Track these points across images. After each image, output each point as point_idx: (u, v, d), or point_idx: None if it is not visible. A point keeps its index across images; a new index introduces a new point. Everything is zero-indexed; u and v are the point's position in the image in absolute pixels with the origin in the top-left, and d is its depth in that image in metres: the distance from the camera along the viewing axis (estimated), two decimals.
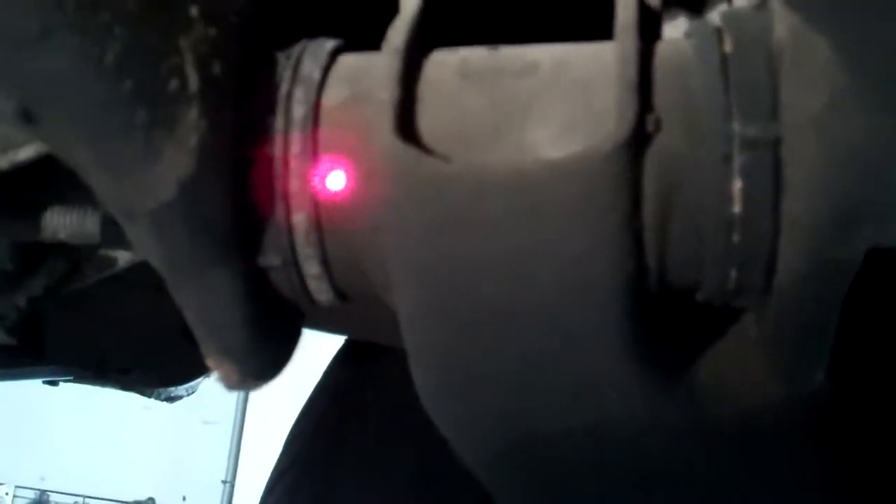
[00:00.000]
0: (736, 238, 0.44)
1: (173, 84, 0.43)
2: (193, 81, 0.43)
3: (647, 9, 0.49)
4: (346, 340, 1.35)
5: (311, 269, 0.49)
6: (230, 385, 0.51)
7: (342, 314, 0.72)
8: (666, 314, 0.51)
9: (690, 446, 0.54)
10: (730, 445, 0.55)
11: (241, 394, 3.93)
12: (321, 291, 0.50)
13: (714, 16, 0.54)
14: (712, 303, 0.49)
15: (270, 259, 0.48)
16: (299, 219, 0.48)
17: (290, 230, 0.48)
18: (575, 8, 0.58)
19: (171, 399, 1.63)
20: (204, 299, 0.47)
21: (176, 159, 0.43)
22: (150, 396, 1.53)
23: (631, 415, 0.50)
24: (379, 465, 1.19)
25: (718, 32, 0.46)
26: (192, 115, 0.43)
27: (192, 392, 1.65)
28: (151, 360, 1.30)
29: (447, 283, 0.46)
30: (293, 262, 0.49)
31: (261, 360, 0.51)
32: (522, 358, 0.47)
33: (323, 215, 0.48)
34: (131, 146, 0.41)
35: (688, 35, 0.48)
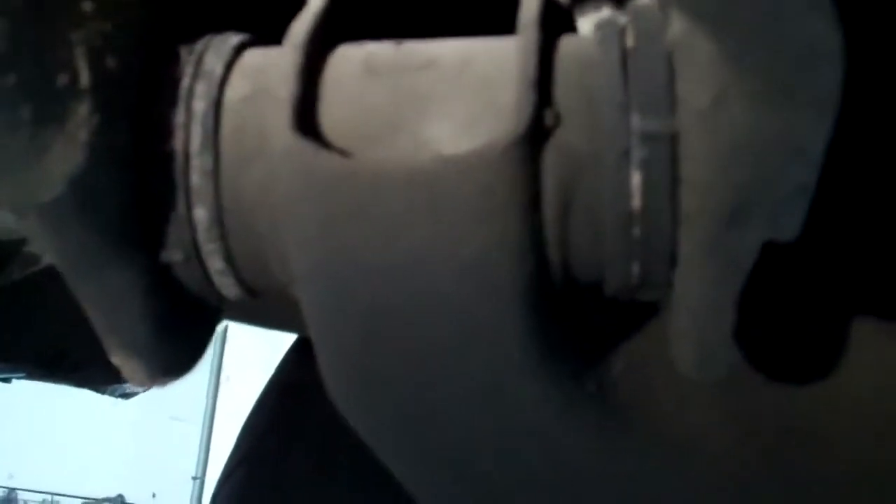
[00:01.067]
0: (636, 232, 0.44)
1: (62, 79, 0.42)
2: (85, 76, 0.43)
3: (554, 4, 0.49)
4: (298, 335, 1.35)
5: (215, 264, 0.49)
6: (137, 382, 0.51)
7: (258, 307, 0.72)
8: (573, 311, 0.51)
9: (607, 444, 0.54)
10: (648, 442, 0.55)
11: (211, 390, 3.93)
12: (227, 286, 0.50)
13: (624, 12, 0.54)
14: (619, 298, 0.49)
15: (173, 254, 0.48)
16: (201, 214, 0.47)
17: (191, 225, 0.47)
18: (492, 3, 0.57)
19: (126, 395, 1.63)
20: (104, 296, 0.47)
21: (65, 154, 0.42)
22: (104, 393, 1.53)
23: (539, 412, 0.50)
24: (329, 461, 1.19)
25: (623, 28, 0.46)
26: (84, 109, 0.43)
27: (147, 388, 1.63)
28: (101, 356, 1.30)
29: (345, 281, 0.45)
30: (196, 258, 0.48)
31: (168, 356, 0.50)
32: (424, 357, 0.47)
33: (226, 210, 0.48)
34: (16, 142, 0.41)
35: (595, 30, 0.48)
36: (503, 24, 0.52)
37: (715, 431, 0.55)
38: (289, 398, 1.28)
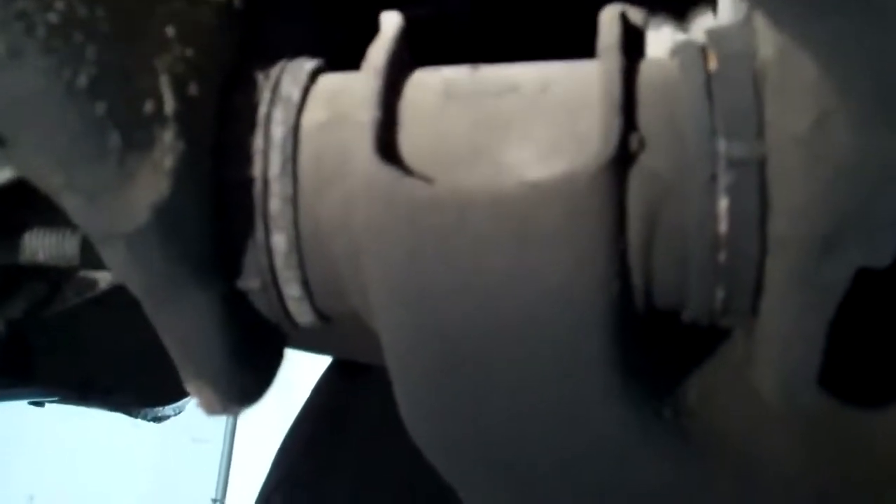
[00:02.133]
0: (722, 258, 0.44)
1: (148, 106, 0.42)
2: (169, 103, 0.43)
3: (631, 26, 0.49)
4: (333, 359, 1.34)
5: (292, 291, 0.48)
6: (211, 411, 0.50)
7: (325, 334, 0.71)
8: (653, 334, 0.50)
9: (684, 470, 0.53)
10: (725, 468, 0.54)
11: None
12: (302, 314, 0.50)
13: (698, 33, 0.54)
14: (699, 322, 0.48)
15: (250, 282, 0.48)
16: (279, 240, 0.47)
17: (269, 252, 0.47)
18: (559, 26, 0.57)
19: (157, 419, 1.62)
20: (181, 324, 0.47)
21: (151, 182, 0.42)
22: (136, 416, 1.52)
23: (620, 438, 0.49)
24: (367, 484, 1.18)
25: (703, 51, 0.46)
26: (169, 137, 0.42)
27: (180, 412, 1.63)
28: (137, 379, 1.29)
29: (430, 307, 0.45)
30: (273, 285, 0.48)
31: (242, 385, 0.50)
32: (508, 382, 0.47)
33: (303, 237, 0.47)
34: (104, 170, 0.41)
35: (673, 53, 0.48)
36: (577, 48, 0.52)
37: (790, 455, 0.54)
38: (325, 422, 1.27)
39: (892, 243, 0.40)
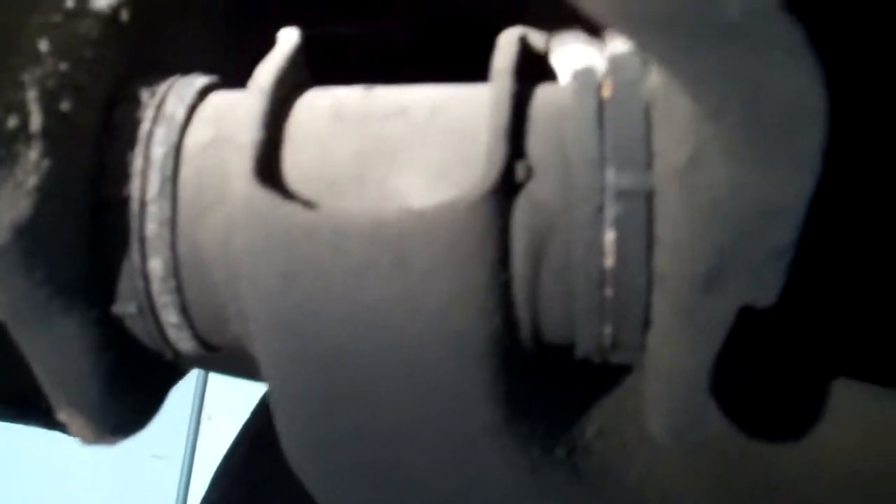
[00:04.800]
0: (609, 292, 0.43)
1: (12, 122, 0.40)
2: (36, 119, 0.41)
3: (530, 51, 0.48)
4: None
5: (170, 317, 0.47)
6: (84, 440, 0.49)
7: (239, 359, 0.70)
8: (544, 369, 0.49)
9: None
10: None
11: (192, 428, 3.88)
12: (182, 340, 0.48)
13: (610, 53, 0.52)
14: (591, 360, 0.47)
15: (126, 307, 0.46)
16: (156, 265, 0.45)
17: (146, 276, 0.45)
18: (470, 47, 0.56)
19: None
20: (51, 349, 0.45)
21: (11, 201, 0.40)
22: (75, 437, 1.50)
23: (506, 476, 0.47)
24: None
25: (601, 78, 0.45)
26: (34, 154, 0.41)
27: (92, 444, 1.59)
28: None
29: (307, 336, 0.43)
30: (150, 310, 0.46)
31: (119, 414, 0.48)
32: (385, 413, 0.45)
33: (182, 261, 0.46)
34: None
35: (572, 79, 0.47)
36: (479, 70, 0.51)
37: (689, 495, 0.53)
38: (262, 445, 1.25)
39: (774, 281, 0.39)
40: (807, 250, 0.41)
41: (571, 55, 0.55)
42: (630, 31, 0.32)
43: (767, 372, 0.58)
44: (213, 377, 3.92)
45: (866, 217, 0.57)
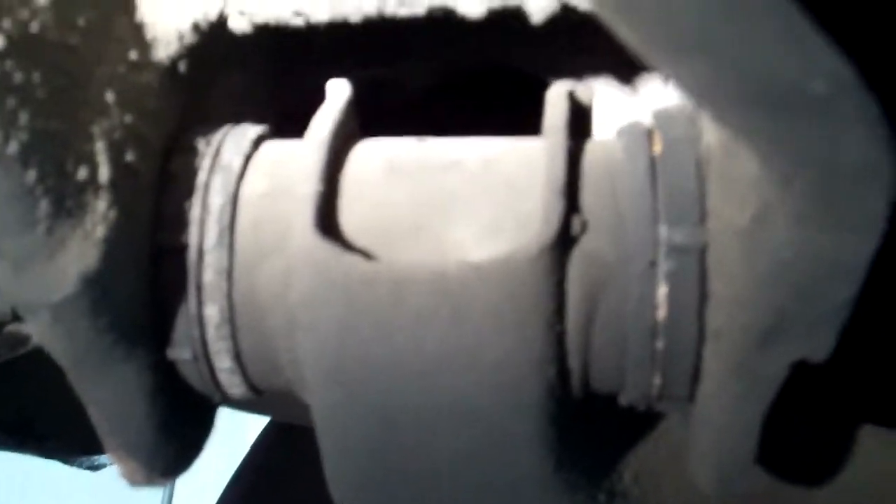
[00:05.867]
0: (660, 344, 0.44)
1: (82, 173, 0.41)
2: (104, 170, 0.42)
3: (578, 106, 0.49)
4: (270, 421, 1.32)
5: (223, 363, 0.47)
6: (133, 482, 0.49)
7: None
8: (588, 417, 0.50)
9: None
10: None
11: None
12: (233, 385, 0.49)
13: (646, 101, 0.54)
14: (635, 406, 0.48)
15: (180, 352, 0.46)
16: (212, 312, 0.46)
17: (201, 323, 0.46)
18: (516, 100, 0.57)
19: (94, 468, 1.58)
20: (108, 395, 0.45)
21: (81, 252, 0.41)
22: (72, 465, 1.49)
23: None
24: None
25: (648, 133, 0.46)
26: (102, 205, 0.41)
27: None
28: (72, 427, 1.26)
29: (362, 385, 0.44)
30: (204, 356, 0.47)
31: (167, 456, 0.49)
32: (440, 462, 0.46)
33: (237, 309, 0.46)
34: (32, 238, 0.39)
35: (618, 135, 0.48)
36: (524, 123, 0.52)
37: None
38: (261, 480, 1.25)
39: (830, 338, 0.40)
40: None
41: (611, 105, 0.56)
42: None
43: (794, 418, 0.59)
44: None
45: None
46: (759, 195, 0.37)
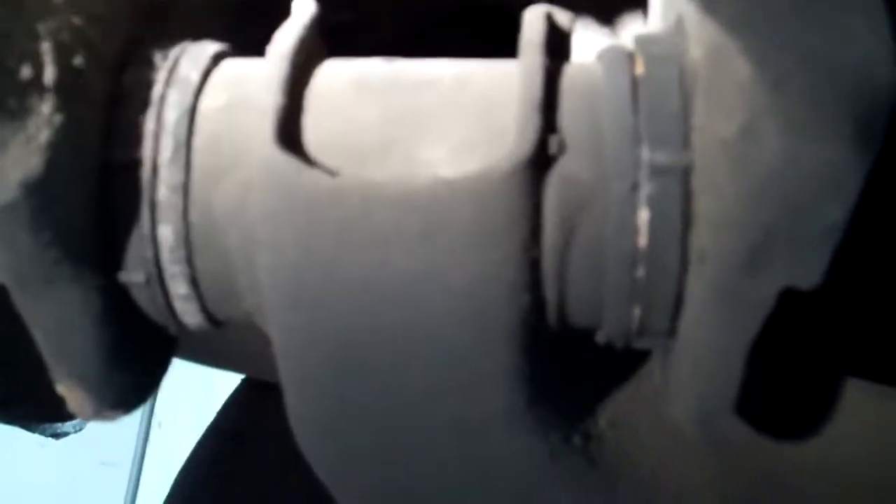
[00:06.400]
0: (640, 272, 0.41)
1: (25, 72, 0.38)
2: (50, 71, 0.39)
3: (556, 28, 0.46)
4: (244, 379, 1.30)
5: (179, 288, 0.44)
6: (83, 415, 0.46)
7: (224, 345, 0.68)
8: (565, 353, 0.47)
9: (590, 499, 0.50)
10: (634, 499, 0.51)
11: (141, 435, 3.82)
12: (189, 314, 0.46)
13: (627, 38, 0.51)
14: (614, 344, 0.45)
15: (133, 275, 0.44)
16: (166, 232, 0.43)
17: (155, 244, 0.43)
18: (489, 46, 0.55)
19: (56, 436, 1.56)
20: (54, 318, 0.42)
21: (22, 155, 0.38)
22: (34, 431, 1.46)
23: (523, 461, 0.46)
24: None
25: (630, 55, 0.44)
26: (46, 108, 0.39)
27: (80, 429, 1.57)
28: (34, 393, 1.23)
29: (324, 306, 0.41)
30: (158, 280, 0.44)
31: (119, 388, 0.46)
32: (404, 392, 0.43)
33: (194, 230, 0.43)
34: None
35: (599, 57, 0.45)
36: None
37: (700, 487, 0.52)
38: (228, 443, 1.22)
39: (820, 262, 0.37)
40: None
41: (589, 39, 0.53)
42: None
43: (778, 366, 0.57)
44: (164, 383, 3.86)
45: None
46: (748, 102, 0.35)
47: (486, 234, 0.40)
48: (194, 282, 0.44)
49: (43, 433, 1.50)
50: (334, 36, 0.50)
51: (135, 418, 3.90)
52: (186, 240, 0.43)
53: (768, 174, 0.35)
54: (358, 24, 0.70)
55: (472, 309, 0.41)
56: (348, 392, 0.44)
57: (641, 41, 0.44)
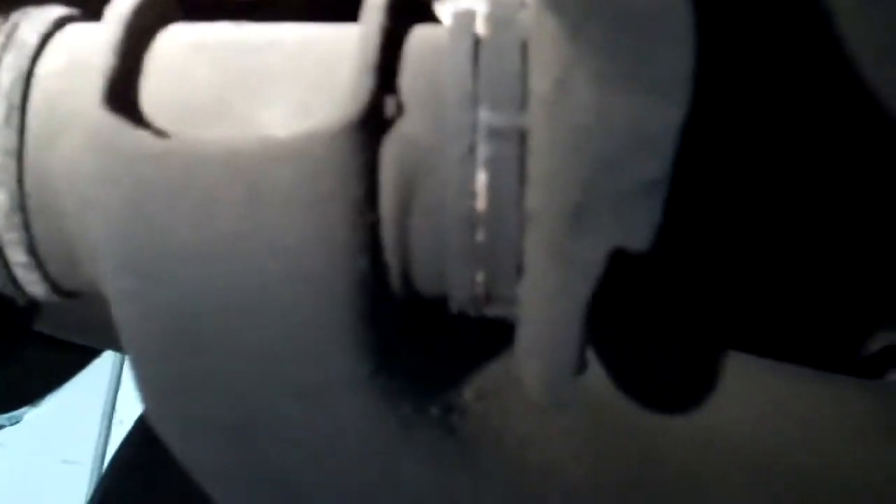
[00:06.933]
0: (481, 237, 0.41)
1: None
2: None
3: None
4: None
5: (17, 256, 0.44)
6: None
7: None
8: (416, 326, 0.47)
9: (449, 472, 0.49)
10: (498, 472, 0.51)
11: (103, 433, 3.80)
12: (32, 283, 0.45)
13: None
14: (467, 313, 0.45)
15: None
16: (1, 197, 0.42)
17: None
18: None
19: (14, 422, 1.54)
20: None
21: None
22: None
23: (369, 431, 0.45)
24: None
25: (477, 17, 0.43)
26: None
27: (17, 422, 1.54)
28: None
29: (153, 270, 0.41)
30: None
31: None
32: (241, 357, 0.42)
33: (29, 195, 0.43)
34: None
35: (452, 18, 0.45)
36: None
37: (571, 462, 0.51)
38: (151, 438, 1.21)
39: (645, 221, 0.37)
40: (706, 208, 0.39)
41: (457, 4, 0.53)
42: None
43: (659, 340, 0.56)
44: (126, 382, 3.83)
45: (762, 169, 0.55)
46: (559, 57, 0.34)
47: (316, 194, 0.39)
48: (32, 249, 0.44)
49: None
50: (236, 13, 0.49)
51: (96, 416, 3.87)
52: (22, 205, 0.43)
53: (581, 129, 0.34)
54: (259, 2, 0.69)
55: (304, 272, 0.40)
56: (186, 360, 0.43)
57: (492, 3, 0.43)
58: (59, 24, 0.46)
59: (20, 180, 0.42)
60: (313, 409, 0.44)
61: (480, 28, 0.42)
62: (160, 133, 0.40)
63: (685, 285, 0.60)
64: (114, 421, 3.94)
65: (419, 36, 0.44)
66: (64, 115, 0.42)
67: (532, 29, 0.39)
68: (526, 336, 0.42)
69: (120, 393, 3.92)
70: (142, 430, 1.22)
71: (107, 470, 1.21)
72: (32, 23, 0.45)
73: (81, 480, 3.93)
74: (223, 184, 0.39)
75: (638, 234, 0.37)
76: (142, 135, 0.39)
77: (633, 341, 0.56)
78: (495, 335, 0.51)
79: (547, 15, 0.34)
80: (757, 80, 0.49)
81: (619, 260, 0.38)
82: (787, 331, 0.63)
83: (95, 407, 3.61)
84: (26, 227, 0.43)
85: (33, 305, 0.48)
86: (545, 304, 0.40)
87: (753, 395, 0.56)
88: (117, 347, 1.11)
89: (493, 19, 0.42)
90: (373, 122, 0.40)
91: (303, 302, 0.41)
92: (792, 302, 0.63)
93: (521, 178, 0.39)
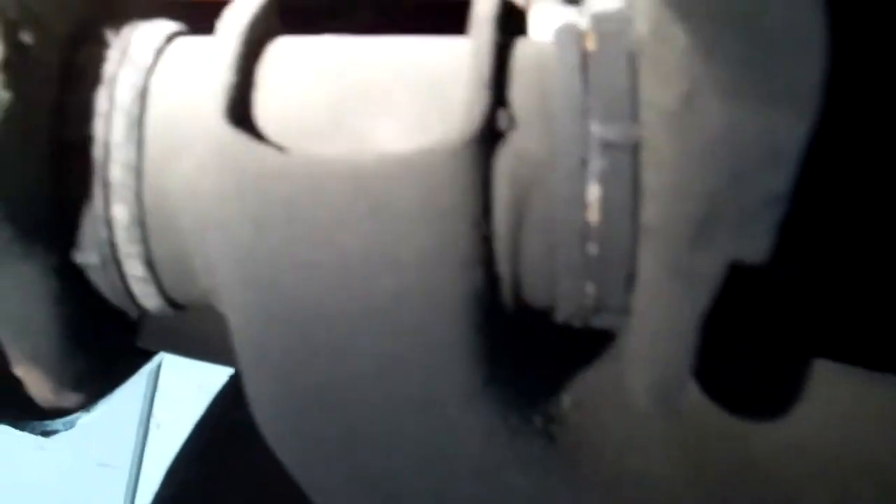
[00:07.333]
0: (592, 249, 0.41)
1: None
2: None
3: (510, 4, 0.46)
4: (233, 374, 1.29)
5: (134, 269, 0.44)
6: (43, 398, 0.46)
7: (200, 336, 0.67)
8: (524, 336, 0.47)
9: (552, 483, 0.50)
10: (597, 482, 0.51)
11: (140, 436, 3.82)
12: (147, 296, 0.46)
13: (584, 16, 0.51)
14: (572, 324, 0.45)
15: (87, 256, 0.44)
16: (120, 211, 0.43)
17: (109, 224, 0.43)
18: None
19: (46, 433, 1.55)
20: (8, 297, 0.42)
21: None
22: (22, 429, 1.46)
23: (480, 443, 0.46)
24: (262, 497, 1.13)
25: (583, 32, 0.44)
26: None
27: (70, 427, 1.56)
28: (21, 390, 1.23)
29: (274, 285, 0.41)
30: (113, 261, 0.44)
31: (78, 371, 0.46)
32: (358, 372, 0.43)
33: (148, 209, 0.43)
34: None
35: (556, 34, 0.46)
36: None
37: (666, 471, 0.52)
38: (220, 433, 1.22)
39: (765, 236, 0.37)
40: (801, 218, 0.39)
41: (549, 15, 0.53)
42: None
43: (750, 348, 0.57)
44: (163, 384, 3.86)
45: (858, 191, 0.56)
46: (686, 72, 0.35)
47: (435, 210, 0.40)
48: (150, 263, 0.44)
49: (32, 431, 1.50)
50: (307, 22, 0.50)
51: (133, 419, 3.90)
52: (141, 220, 0.43)
53: (709, 144, 0.35)
54: (331, 10, 0.70)
55: (422, 286, 0.41)
56: (302, 372, 0.43)
57: (595, 18, 0.44)
58: (170, 38, 0.46)
59: (139, 195, 0.43)
60: (428, 421, 0.44)
61: (588, 42, 0.43)
62: (280, 149, 0.41)
63: (771, 293, 0.61)
64: (151, 425, 3.97)
65: (525, 49, 0.44)
66: (181, 132, 0.43)
67: (648, 43, 0.39)
68: (637, 345, 0.43)
69: (157, 396, 3.95)
70: (232, 393, 1.23)
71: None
72: (145, 37, 0.46)
73: (119, 484, 3.96)
74: (347, 200, 0.40)
75: (758, 248, 0.38)
76: (266, 150, 0.40)
77: (720, 348, 0.56)
78: (589, 344, 0.51)
79: (675, 30, 0.35)
80: (881, 90, 0.49)
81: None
82: (873, 337, 0.63)
83: (132, 410, 3.63)
84: (144, 241, 0.44)
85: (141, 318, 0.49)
86: (661, 314, 0.40)
87: (841, 402, 0.56)
88: (220, 360, 1.12)
89: (601, 33, 0.42)
90: (488, 136, 0.40)
91: (420, 315, 0.41)
92: (879, 309, 0.63)
93: (635, 190, 0.40)
